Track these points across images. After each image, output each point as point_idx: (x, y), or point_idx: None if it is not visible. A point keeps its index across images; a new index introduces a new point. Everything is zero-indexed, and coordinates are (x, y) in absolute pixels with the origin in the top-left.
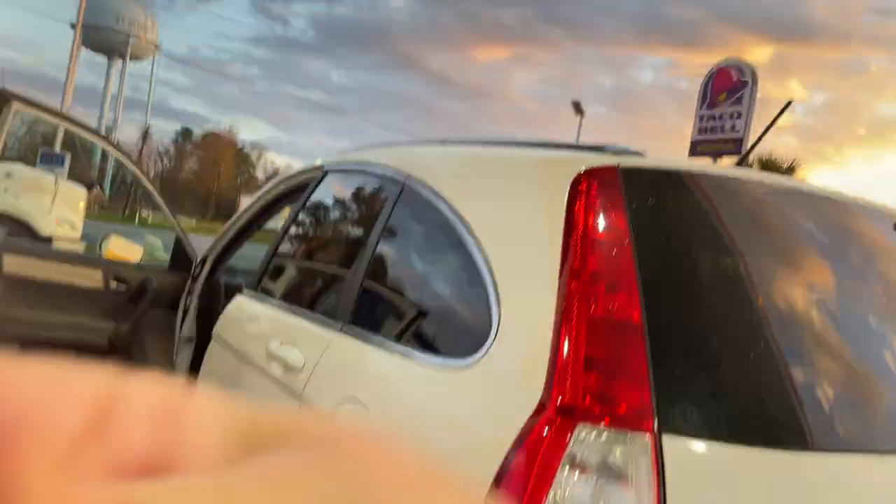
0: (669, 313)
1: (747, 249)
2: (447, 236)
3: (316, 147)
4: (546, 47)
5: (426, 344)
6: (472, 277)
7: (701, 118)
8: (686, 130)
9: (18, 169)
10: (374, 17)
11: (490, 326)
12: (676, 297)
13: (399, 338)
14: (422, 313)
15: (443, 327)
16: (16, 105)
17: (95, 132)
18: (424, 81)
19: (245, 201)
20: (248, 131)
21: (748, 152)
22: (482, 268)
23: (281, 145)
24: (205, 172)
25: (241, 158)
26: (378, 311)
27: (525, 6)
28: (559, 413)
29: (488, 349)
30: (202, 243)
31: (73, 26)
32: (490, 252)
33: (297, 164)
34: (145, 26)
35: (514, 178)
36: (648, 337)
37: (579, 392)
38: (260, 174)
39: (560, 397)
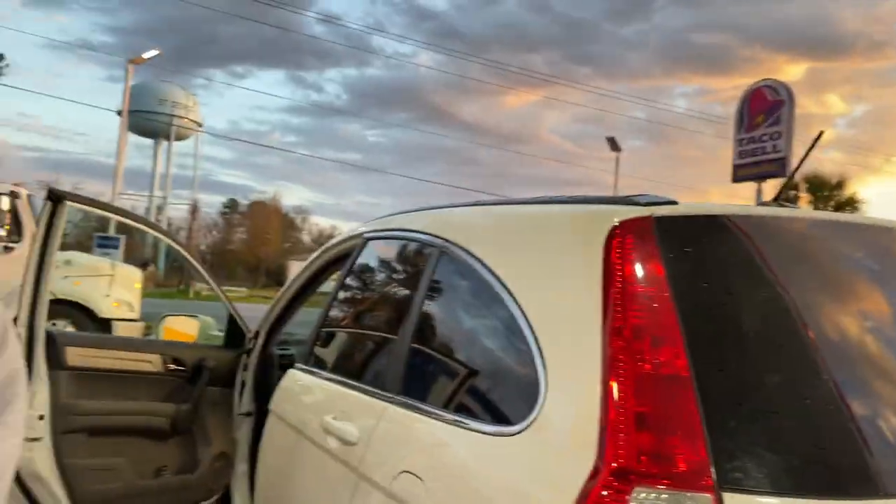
0: (718, 363)
1: (793, 288)
2: (488, 299)
3: (357, 206)
4: (576, 87)
5: (477, 411)
6: (516, 340)
7: (740, 142)
8: (725, 155)
9: (76, 256)
10: (402, 76)
11: (537, 390)
12: (723, 345)
13: (450, 406)
14: (470, 380)
15: (492, 393)
16: (69, 204)
17: (142, 219)
18: (457, 132)
19: (293, 266)
20: (291, 197)
21: (786, 184)
22: (525, 330)
23: (324, 208)
24: (253, 241)
25: (287, 224)
26: (426, 380)
27: (550, 50)
28: (615, 476)
29: (538, 413)
30: (255, 312)
31: (119, 113)
32: (531, 313)
33: (340, 225)
34: (187, 106)
35: (549, 237)
36: (698, 389)
37: (633, 453)
38: (306, 238)
39: (615, 459)
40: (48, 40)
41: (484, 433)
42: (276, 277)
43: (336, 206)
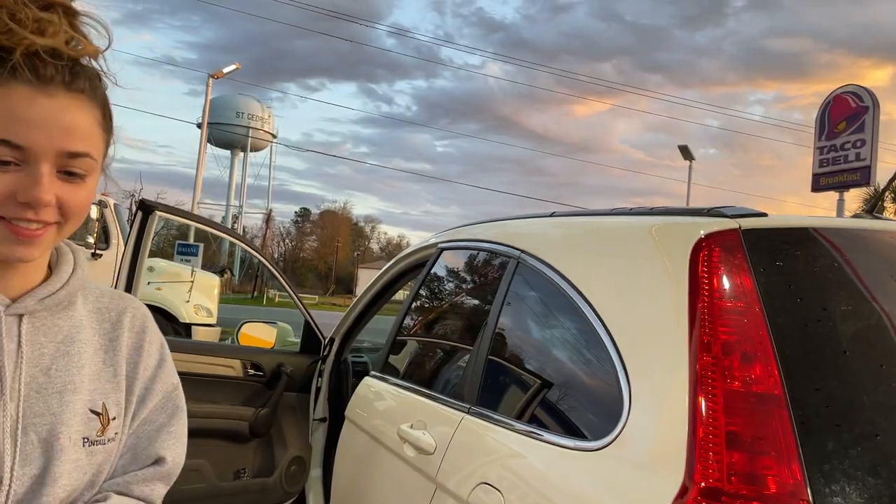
0: (813, 381)
1: (890, 304)
2: (568, 312)
3: (424, 216)
4: (646, 95)
5: (556, 424)
6: (597, 354)
7: (820, 150)
8: (803, 164)
9: (158, 263)
10: (471, 87)
11: (621, 405)
12: (819, 363)
13: (528, 419)
14: (549, 393)
15: (572, 406)
16: (159, 214)
17: (225, 229)
18: (526, 142)
19: (362, 274)
20: (361, 206)
21: (882, 194)
22: (607, 344)
23: (392, 217)
24: (323, 249)
25: (357, 232)
26: (503, 392)
27: (620, 57)
28: (704, 495)
29: (622, 428)
30: (326, 319)
31: (199, 126)
32: (613, 328)
33: (407, 234)
34: (262, 119)
35: (631, 249)
36: (793, 409)
37: (724, 472)
38: (374, 246)
39: (704, 479)
40: (135, 57)
41: (565, 447)
42: (346, 285)
43: (404, 216)
